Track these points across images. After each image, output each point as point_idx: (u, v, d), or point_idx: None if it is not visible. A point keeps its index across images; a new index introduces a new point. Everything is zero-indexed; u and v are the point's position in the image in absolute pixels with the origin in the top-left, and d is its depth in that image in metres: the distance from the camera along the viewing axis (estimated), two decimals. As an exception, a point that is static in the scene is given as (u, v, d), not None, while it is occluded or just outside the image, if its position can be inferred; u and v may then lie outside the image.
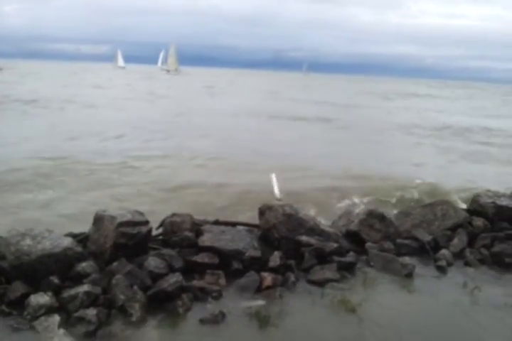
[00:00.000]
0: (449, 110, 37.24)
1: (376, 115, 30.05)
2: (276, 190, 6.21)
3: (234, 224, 5.47)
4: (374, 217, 5.59)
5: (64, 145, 14.14)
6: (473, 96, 72.76)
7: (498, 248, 5.40)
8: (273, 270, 4.58)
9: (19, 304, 3.79)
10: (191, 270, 4.50)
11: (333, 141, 18.45)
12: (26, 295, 3.81)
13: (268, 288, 4.35)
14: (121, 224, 4.44)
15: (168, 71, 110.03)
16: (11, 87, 37.82)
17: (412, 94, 64.23)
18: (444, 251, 5.32)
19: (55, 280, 3.98)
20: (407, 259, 5.03)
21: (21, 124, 18.69)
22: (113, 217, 4.50)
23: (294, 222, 5.15)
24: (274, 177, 6.33)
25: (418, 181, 10.62)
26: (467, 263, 5.25)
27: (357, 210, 6.00)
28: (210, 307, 4.04)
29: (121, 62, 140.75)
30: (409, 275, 4.85)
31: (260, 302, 4.19)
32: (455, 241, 5.56)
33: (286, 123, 23.39)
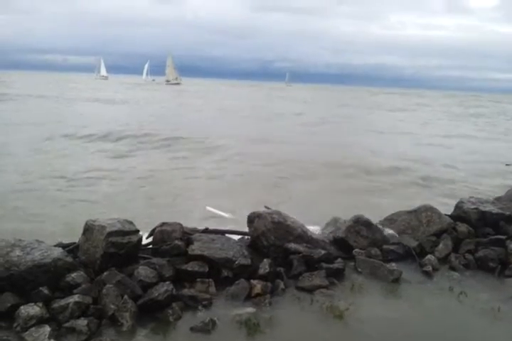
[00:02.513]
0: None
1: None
2: (223, 213, 6.45)
3: (223, 232, 5.50)
4: (360, 223, 5.68)
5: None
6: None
7: (482, 253, 5.51)
8: (262, 277, 4.62)
9: (9, 315, 3.75)
10: (181, 278, 4.51)
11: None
12: (16, 307, 3.78)
13: (258, 295, 4.39)
14: (111, 234, 4.45)
15: (167, 81, 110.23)
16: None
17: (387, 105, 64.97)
18: (429, 257, 5.41)
19: (45, 290, 3.96)
20: (393, 265, 5.11)
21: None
22: (103, 227, 4.50)
23: (283, 230, 5.20)
24: (211, 209, 6.63)
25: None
26: (452, 268, 5.35)
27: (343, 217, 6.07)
28: (201, 316, 4.07)
29: (103, 72, 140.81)
30: (396, 281, 4.93)
31: (250, 309, 4.23)
32: (440, 246, 5.66)
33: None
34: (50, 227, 7.76)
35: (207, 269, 4.60)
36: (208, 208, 6.54)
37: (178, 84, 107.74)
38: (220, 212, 6.41)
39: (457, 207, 6.52)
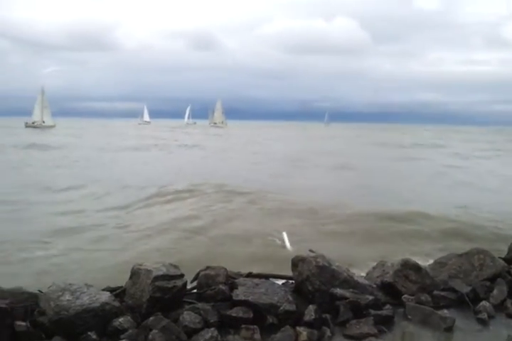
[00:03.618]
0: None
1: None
2: (288, 246, 6.44)
3: (267, 277, 5.45)
4: (409, 267, 5.50)
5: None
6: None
7: (540, 299, 5.20)
8: (308, 324, 4.50)
9: (58, 360, 3.82)
10: (226, 324, 4.47)
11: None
12: (66, 352, 3.85)
13: (304, 343, 4.28)
14: (157, 278, 4.50)
15: (214, 124, 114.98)
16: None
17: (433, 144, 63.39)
18: (484, 303, 5.14)
19: (93, 335, 4.00)
20: (446, 312, 4.87)
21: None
22: (149, 271, 4.57)
23: (328, 274, 5.10)
24: (285, 235, 6.63)
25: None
26: (509, 315, 5.05)
27: (391, 261, 5.89)
28: (246, 363, 4.00)
29: (146, 117, 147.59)
30: (449, 329, 4.67)
31: (296, 358, 4.12)
32: (495, 292, 5.37)
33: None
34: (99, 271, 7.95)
35: (251, 315, 4.53)
36: (284, 234, 6.61)
37: (221, 127, 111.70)
38: (288, 242, 6.45)
39: (511, 249, 6.24)
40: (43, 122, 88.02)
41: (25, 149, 40.24)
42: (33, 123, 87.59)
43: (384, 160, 35.15)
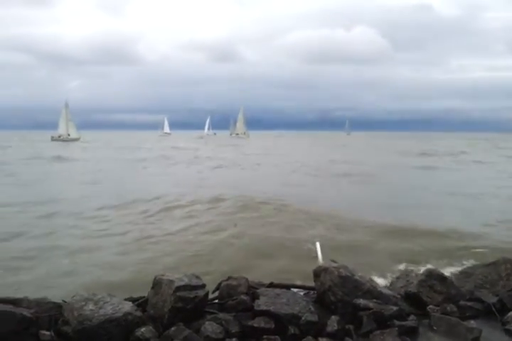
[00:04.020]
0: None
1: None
2: (320, 257, 6.38)
3: (289, 287, 5.41)
4: (434, 277, 5.39)
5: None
6: None
7: None
8: (330, 335, 4.44)
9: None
10: (248, 335, 4.44)
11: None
12: (88, 361, 3.88)
13: (327, 354, 4.22)
14: (179, 288, 4.52)
15: (237, 134, 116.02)
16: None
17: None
18: (511, 314, 5.00)
19: (115, 345, 4.05)
20: (472, 323, 4.74)
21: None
22: (171, 281, 4.59)
23: (350, 285, 5.03)
24: (318, 245, 6.58)
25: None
26: (538, 327, 4.90)
27: (415, 271, 5.81)
28: (269, 375, 3.95)
29: (167, 129, 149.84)
30: (476, 340, 4.57)
31: (319, 369, 4.07)
32: (523, 302, 5.23)
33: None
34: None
35: (273, 326, 4.50)
36: (318, 244, 6.58)
37: (244, 138, 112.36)
38: (320, 253, 6.42)
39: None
40: (69, 135, 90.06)
41: (60, 162, 40.77)
42: (59, 136, 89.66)
43: (409, 170, 34.48)
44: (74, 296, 4.50)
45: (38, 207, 16.77)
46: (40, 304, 4.57)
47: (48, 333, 4.14)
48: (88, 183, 25.09)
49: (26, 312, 4.20)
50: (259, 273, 7.81)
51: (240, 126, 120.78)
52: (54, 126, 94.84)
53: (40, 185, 24.43)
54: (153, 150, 58.91)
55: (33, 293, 4.94)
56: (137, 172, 32.36)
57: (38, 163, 39.82)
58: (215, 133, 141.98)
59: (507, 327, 4.81)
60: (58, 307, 4.55)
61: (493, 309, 5.11)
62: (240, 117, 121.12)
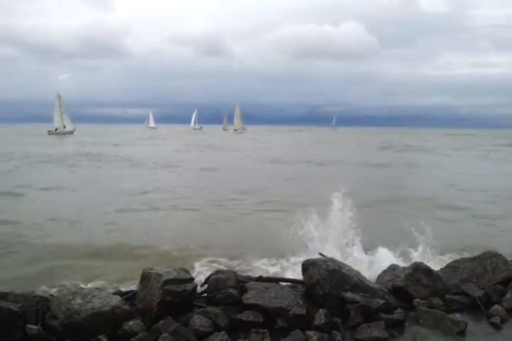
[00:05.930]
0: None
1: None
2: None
3: (277, 281, 5.43)
4: (420, 271, 5.45)
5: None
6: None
7: (554, 303, 5.11)
8: (318, 328, 4.47)
9: (69, 363, 3.83)
10: (236, 328, 4.46)
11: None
12: (76, 355, 3.86)
13: (314, 347, 4.24)
14: (167, 282, 4.51)
15: (235, 130, 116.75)
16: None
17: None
18: (496, 307, 5.07)
19: (103, 339, 4.01)
20: (458, 316, 4.81)
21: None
22: (159, 275, 4.58)
23: (338, 278, 5.07)
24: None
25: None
26: (522, 320, 4.98)
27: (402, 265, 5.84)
28: (257, 368, 3.95)
29: (152, 123, 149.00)
30: (462, 333, 4.61)
31: (307, 362, 4.09)
32: (508, 295, 5.30)
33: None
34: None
35: (262, 319, 4.52)
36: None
37: (242, 133, 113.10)
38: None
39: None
40: (64, 127, 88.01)
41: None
42: (55, 130, 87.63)
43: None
44: (61, 290, 4.47)
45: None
46: (27, 298, 4.51)
47: (35, 327, 4.09)
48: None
49: (13, 307, 4.15)
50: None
51: (238, 121, 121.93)
52: (45, 118, 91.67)
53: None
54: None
55: (19, 287, 4.85)
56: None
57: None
58: (201, 127, 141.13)
59: (492, 320, 4.88)
60: (45, 301, 4.51)
61: (479, 302, 5.19)
62: (237, 113, 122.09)
